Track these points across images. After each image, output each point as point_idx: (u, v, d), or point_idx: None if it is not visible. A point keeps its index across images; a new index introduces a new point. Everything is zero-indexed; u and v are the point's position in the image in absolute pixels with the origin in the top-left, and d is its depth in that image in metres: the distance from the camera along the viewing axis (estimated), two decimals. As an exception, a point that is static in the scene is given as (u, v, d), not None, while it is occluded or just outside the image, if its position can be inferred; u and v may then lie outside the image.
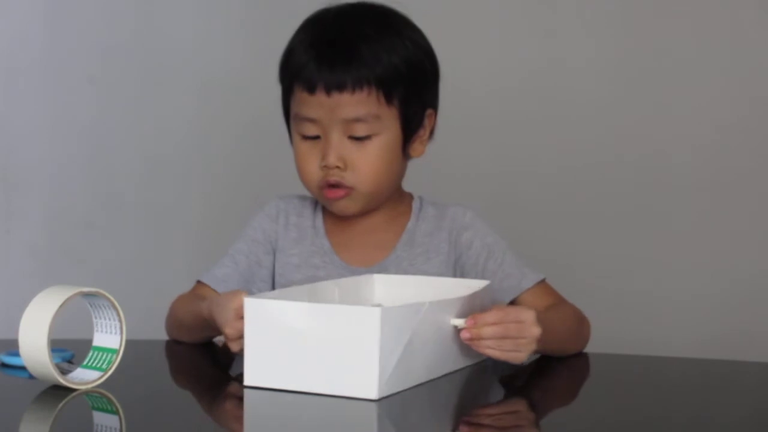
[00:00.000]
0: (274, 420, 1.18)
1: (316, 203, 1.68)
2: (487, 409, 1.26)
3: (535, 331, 1.34)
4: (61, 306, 1.20)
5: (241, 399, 1.24)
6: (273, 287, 1.63)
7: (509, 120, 2.57)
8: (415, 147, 1.63)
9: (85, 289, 1.23)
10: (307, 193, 1.68)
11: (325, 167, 1.56)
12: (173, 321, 1.59)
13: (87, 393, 1.21)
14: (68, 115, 2.59)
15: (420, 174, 1.69)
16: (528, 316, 1.34)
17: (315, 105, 1.54)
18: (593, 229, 2.58)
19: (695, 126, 2.57)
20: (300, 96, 1.56)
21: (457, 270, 1.62)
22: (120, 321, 1.26)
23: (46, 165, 2.60)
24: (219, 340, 1.51)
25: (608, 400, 1.29)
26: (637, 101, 2.57)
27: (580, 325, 1.56)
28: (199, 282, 1.62)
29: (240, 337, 1.29)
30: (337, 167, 1.56)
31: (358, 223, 1.65)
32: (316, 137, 1.57)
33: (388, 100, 1.56)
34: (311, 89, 1.54)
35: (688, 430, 1.15)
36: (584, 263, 2.53)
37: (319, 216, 1.67)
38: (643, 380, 1.41)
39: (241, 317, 1.27)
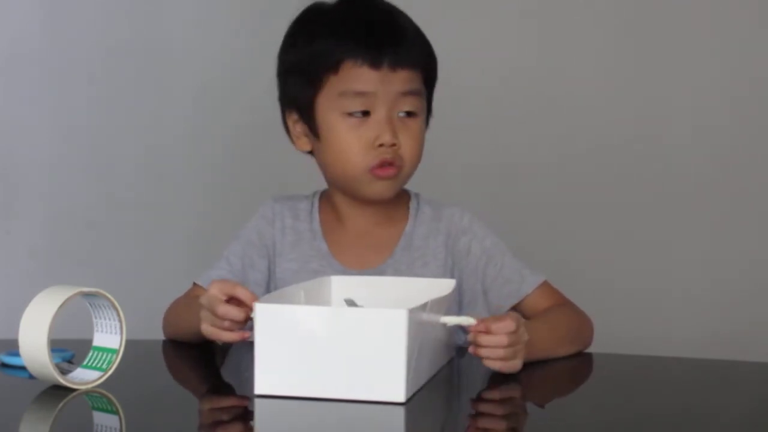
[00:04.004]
0: (292, 428, 1.14)
1: (312, 204, 1.67)
2: (485, 405, 1.26)
3: (525, 336, 1.34)
4: (61, 306, 1.20)
5: (244, 400, 1.24)
6: (268, 291, 1.62)
7: (509, 117, 2.57)
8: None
9: (85, 289, 1.23)
10: (301, 192, 1.67)
11: (381, 146, 1.55)
12: (171, 328, 1.59)
13: (87, 393, 1.21)
14: (68, 115, 2.59)
15: (420, 170, 1.68)
16: (518, 322, 1.33)
17: (374, 79, 1.55)
18: (593, 228, 2.58)
19: (696, 125, 2.57)
20: (354, 72, 1.55)
21: (455, 275, 1.61)
22: (120, 321, 1.26)
23: (46, 165, 2.60)
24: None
25: (607, 400, 1.29)
26: (640, 100, 2.57)
27: (580, 328, 1.55)
28: (197, 285, 1.62)
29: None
30: (393, 145, 1.55)
31: (355, 223, 1.64)
32: (363, 114, 1.56)
33: (426, 82, 1.61)
34: (376, 64, 1.54)
35: (688, 429, 1.15)
36: (584, 262, 2.53)
37: (316, 217, 1.66)
38: (643, 380, 1.41)
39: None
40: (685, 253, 2.57)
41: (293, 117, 1.63)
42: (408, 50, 1.57)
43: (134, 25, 2.60)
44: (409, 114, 1.58)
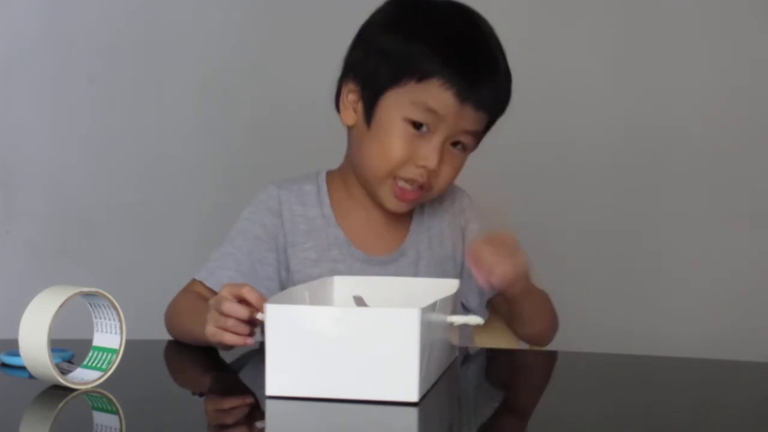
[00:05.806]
0: (304, 429, 1.13)
1: (318, 187, 1.66)
2: (492, 404, 1.26)
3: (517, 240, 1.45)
4: (61, 306, 1.20)
5: (244, 398, 1.24)
6: (281, 283, 1.61)
7: (509, 117, 2.57)
8: None
9: (85, 289, 1.23)
10: (300, 173, 1.67)
11: (423, 167, 1.55)
12: (175, 331, 1.57)
13: (87, 393, 1.21)
14: (68, 114, 2.59)
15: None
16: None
17: (452, 107, 1.53)
18: (592, 228, 2.58)
19: (694, 126, 2.57)
20: (438, 91, 1.52)
21: (462, 251, 1.66)
22: (120, 321, 1.26)
23: (46, 165, 2.60)
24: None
25: (606, 399, 1.29)
26: (641, 99, 2.57)
27: (554, 311, 1.62)
28: (197, 281, 1.60)
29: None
30: (433, 170, 1.56)
31: (367, 210, 1.64)
32: (420, 128, 1.54)
33: (490, 123, 1.61)
34: (462, 98, 1.53)
35: (687, 429, 1.15)
36: (583, 262, 2.53)
37: (326, 204, 1.65)
38: (643, 379, 1.41)
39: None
40: (685, 253, 2.57)
41: (351, 86, 1.60)
42: (495, 96, 1.57)
43: (134, 24, 2.60)
44: (455, 144, 1.58)
